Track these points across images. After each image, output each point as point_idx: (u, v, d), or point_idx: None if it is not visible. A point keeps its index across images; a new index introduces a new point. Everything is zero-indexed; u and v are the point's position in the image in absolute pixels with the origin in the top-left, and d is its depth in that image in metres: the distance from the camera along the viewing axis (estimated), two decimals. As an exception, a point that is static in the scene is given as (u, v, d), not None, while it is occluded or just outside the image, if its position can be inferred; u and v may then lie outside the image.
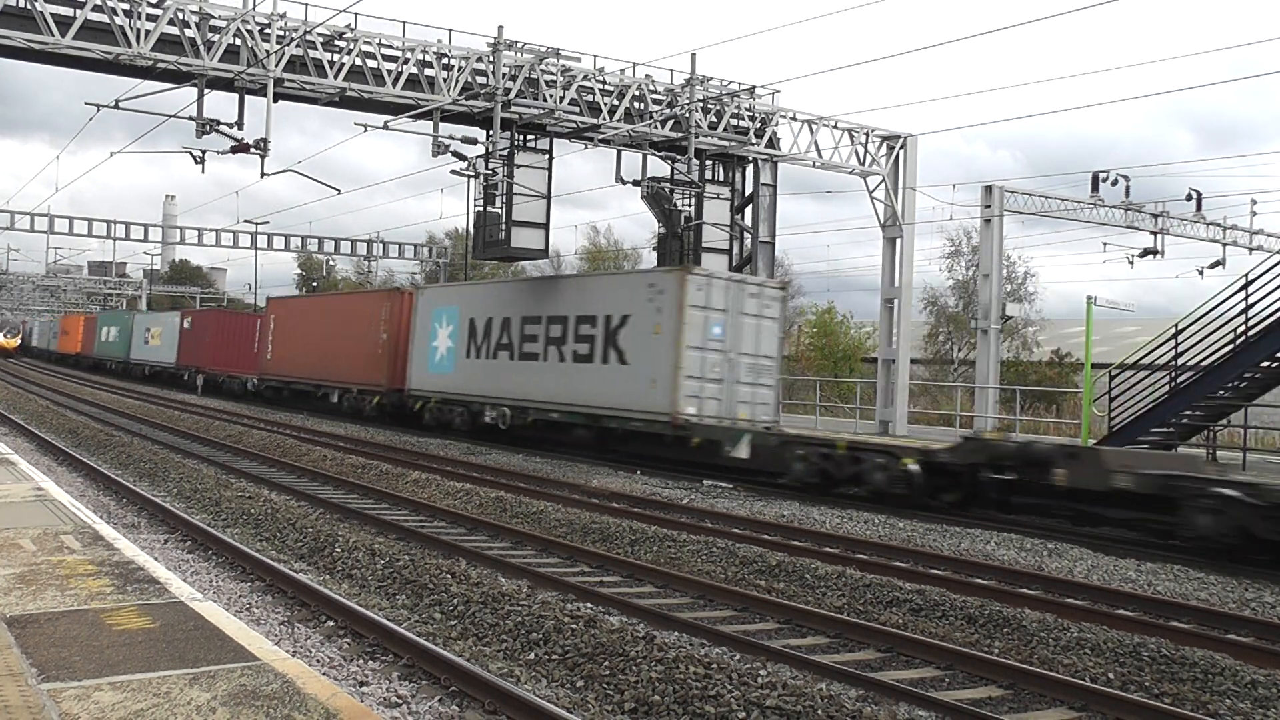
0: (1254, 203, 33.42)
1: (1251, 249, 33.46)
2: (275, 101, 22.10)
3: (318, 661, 7.83)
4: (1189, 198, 31.55)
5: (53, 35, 19.96)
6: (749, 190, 28.07)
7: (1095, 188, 29.68)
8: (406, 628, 8.71)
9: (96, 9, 20.25)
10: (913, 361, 29.40)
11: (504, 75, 23.68)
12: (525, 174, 25.07)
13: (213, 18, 21.68)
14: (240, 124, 22.02)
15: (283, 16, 22.09)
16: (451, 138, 23.64)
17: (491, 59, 23.77)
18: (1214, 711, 7.48)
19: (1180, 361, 18.86)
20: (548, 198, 25.54)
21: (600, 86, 25.05)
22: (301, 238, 60.40)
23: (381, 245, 61.74)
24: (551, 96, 24.26)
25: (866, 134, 28.28)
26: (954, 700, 7.45)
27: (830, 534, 14.27)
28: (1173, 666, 8.32)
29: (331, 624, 8.97)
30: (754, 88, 26.94)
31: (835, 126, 27.93)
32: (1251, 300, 18.08)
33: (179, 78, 21.79)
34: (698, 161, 26.75)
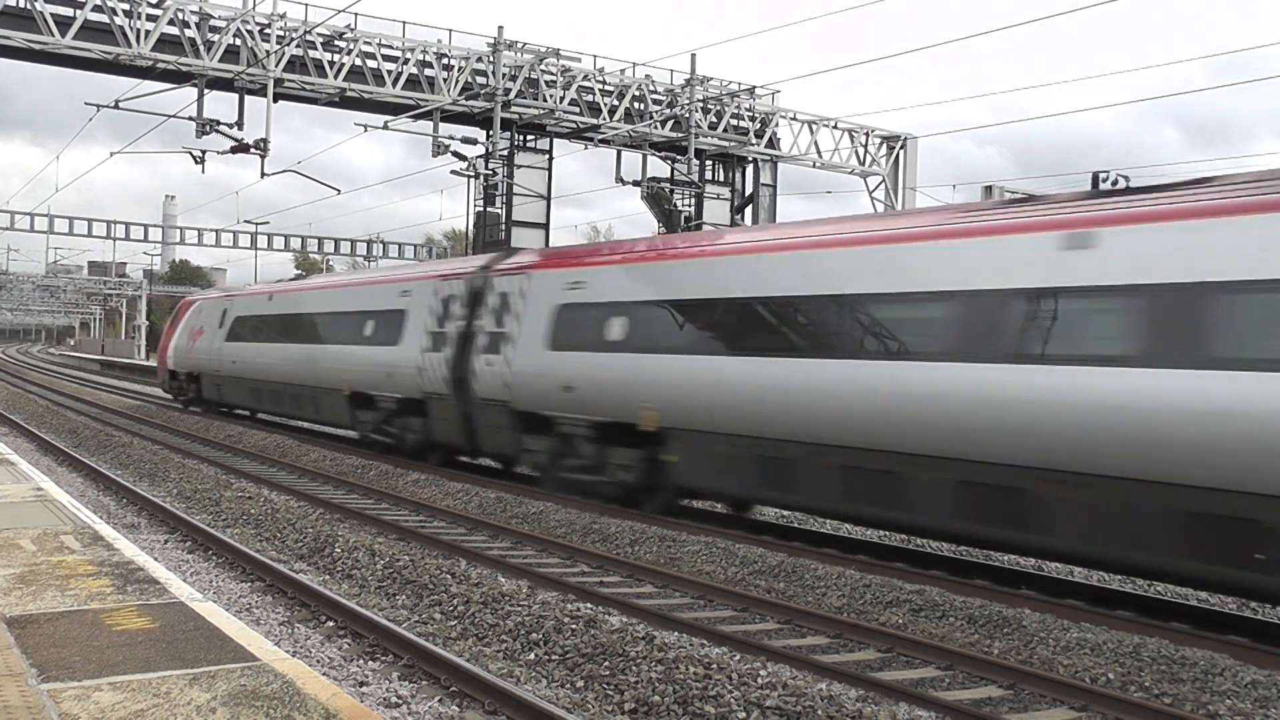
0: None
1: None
2: (275, 101, 22.13)
3: (318, 662, 7.83)
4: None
5: (53, 35, 19.99)
6: (749, 190, 28.09)
7: (1094, 187, 29.64)
8: (406, 628, 8.71)
9: (96, 9, 20.26)
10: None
11: (504, 75, 23.69)
12: (525, 174, 25.12)
13: (213, 18, 21.71)
14: (240, 124, 22.04)
15: (283, 16, 22.11)
16: (451, 138, 23.68)
17: (491, 59, 23.78)
18: (1214, 712, 7.47)
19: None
20: (548, 198, 25.61)
21: (600, 86, 25.06)
22: (301, 238, 60.54)
23: (381, 246, 61.88)
24: (551, 96, 24.27)
25: (866, 134, 28.29)
26: (954, 700, 7.45)
27: (830, 534, 14.26)
28: (1173, 666, 8.31)
29: (331, 624, 8.97)
30: (754, 88, 26.96)
31: (835, 127, 27.94)
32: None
33: (179, 78, 21.81)
34: (698, 161, 26.78)
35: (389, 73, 22.95)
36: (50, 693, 4.93)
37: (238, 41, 21.84)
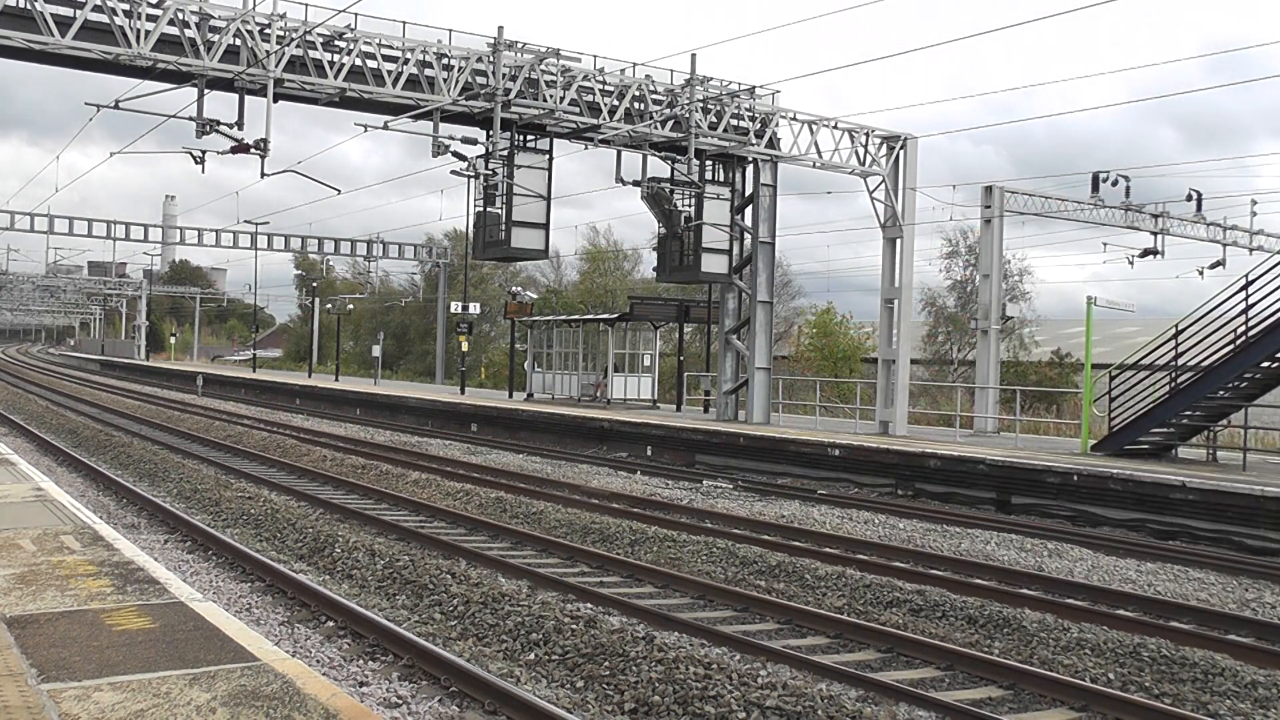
0: (1254, 203, 33.41)
1: (1252, 249, 33.44)
2: (275, 102, 22.09)
3: (318, 662, 7.83)
4: (1189, 198, 31.54)
5: (53, 36, 19.95)
6: (749, 190, 28.06)
7: (1095, 188, 29.65)
8: (406, 628, 8.71)
9: (96, 9, 20.24)
10: (912, 362, 29.31)
11: (504, 75, 23.68)
12: (525, 174, 25.07)
13: (213, 18, 21.66)
14: (240, 124, 22.00)
15: (283, 17, 22.07)
16: (451, 138, 23.64)
17: (491, 59, 23.76)
18: (1214, 712, 7.48)
19: (1180, 362, 18.89)
20: (548, 198, 25.56)
21: (600, 87, 25.04)
22: (301, 238, 60.51)
23: (382, 246, 61.84)
24: (551, 97, 24.25)
25: (867, 134, 28.26)
26: (954, 700, 7.45)
27: (830, 534, 14.26)
28: (1173, 666, 8.31)
29: (331, 624, 8.97)
30: (754, 88, 26.92)
31: (835, 127, 27.90)
32: (1252, 300, 18.12)
33: (179, 78, 21.78)
34: (698, 162, 26.75)
35: (389, 73, 22.93)
36: (50, 693, 4.93)
37: (238, 41, 21.79)
